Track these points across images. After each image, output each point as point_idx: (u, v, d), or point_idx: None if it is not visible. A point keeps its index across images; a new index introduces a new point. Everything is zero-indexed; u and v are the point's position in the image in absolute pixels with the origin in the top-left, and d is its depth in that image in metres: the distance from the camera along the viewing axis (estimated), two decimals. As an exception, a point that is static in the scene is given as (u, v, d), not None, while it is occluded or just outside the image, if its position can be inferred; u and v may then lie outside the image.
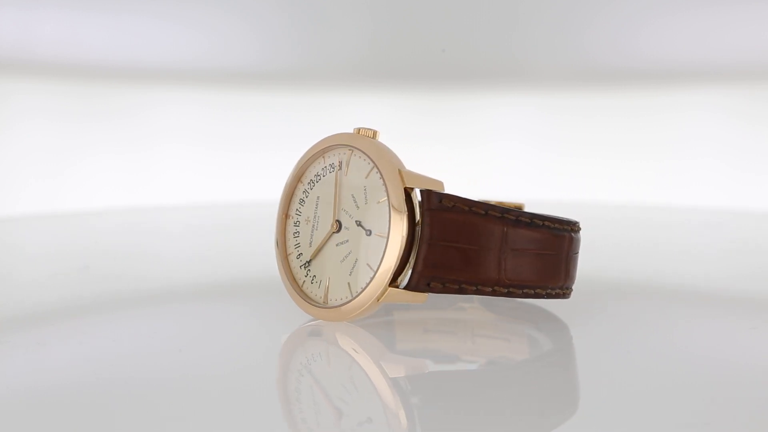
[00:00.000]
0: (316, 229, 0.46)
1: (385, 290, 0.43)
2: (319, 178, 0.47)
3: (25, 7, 1.13)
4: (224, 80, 1.24)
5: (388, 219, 0.43)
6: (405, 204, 0.43)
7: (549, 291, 0.46)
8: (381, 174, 0.44)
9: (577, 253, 0.47)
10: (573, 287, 0.48)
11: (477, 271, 0.43)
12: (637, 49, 1.23)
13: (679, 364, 0.42)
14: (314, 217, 0.47)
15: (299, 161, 0.48)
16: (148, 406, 0.36)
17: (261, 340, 0.46)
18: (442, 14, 1.22)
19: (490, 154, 1.25)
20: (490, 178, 1.22)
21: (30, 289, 0.58)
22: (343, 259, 0.45)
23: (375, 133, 0.46)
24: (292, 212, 0.48)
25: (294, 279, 0.47)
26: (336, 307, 0.44)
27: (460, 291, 0.43)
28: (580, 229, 0.47)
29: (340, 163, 0.46)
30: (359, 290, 0.43)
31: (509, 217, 0.44)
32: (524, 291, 0.45)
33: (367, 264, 0.43)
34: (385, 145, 0.45)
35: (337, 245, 0.45)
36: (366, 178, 0.44)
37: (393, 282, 0.43)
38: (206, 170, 1.22)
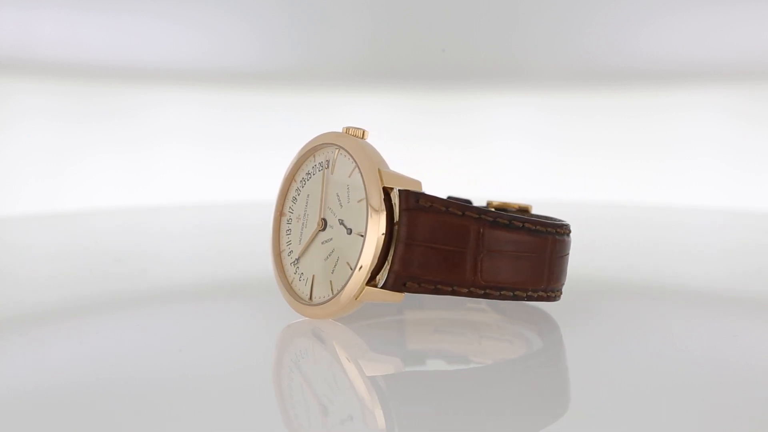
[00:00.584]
0: (305, 227, 0.47)
1: (362, 289, 0.43)
2: (309, 176, 0.47)
3: (25, 7, 1.13)
4: (224, 80, 1.24)
5: (366, 218, 0.43)
6: (383, 203, 0.42)
7: (530, 294, 0.45)
8: (361, 173, 0.44)
9: (565, 255, 0.47)
10: (562, 289, 0.48)
11: (452, 272, 0.43)
12: (637, 49, 1.23)
13: (679, 364, 0.42)
14: (304, 215, 0.47)
15: (293, 159, 0.49)
16: (148, 406, 0.36)
17: (261, 340, 0.46)
18: (442, 14, 1.22)
19: (490, 154, 1.25)
20: (490, 178, 1.22)
21: (30, 289, 0.58)
22: (327, 257, 0.45)
23: (364, 132, 0.46)
24: (286, 210, 0.48)
25: (285, 276, 0.47)
26: (319, 304, 0.45)
27: (436, 291, 0.43)
28: (568, 231, 0.47)
29: (328, 161, 0.46)
30: (339, 288, 0.44)
31: (486, 218, 0.43)
32: (502, 293, 0.44)
33: (347, 262, 0.44)
34: (369, 145, 0.45)
35: (322, 243, 0.45)
36: (349, 177, 0.45)
37: (372, 281, 0.43)
38: (206, 170, 1.22)
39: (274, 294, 0.48)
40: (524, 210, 0.56)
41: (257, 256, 0.60)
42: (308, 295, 0.46)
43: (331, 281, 0.44)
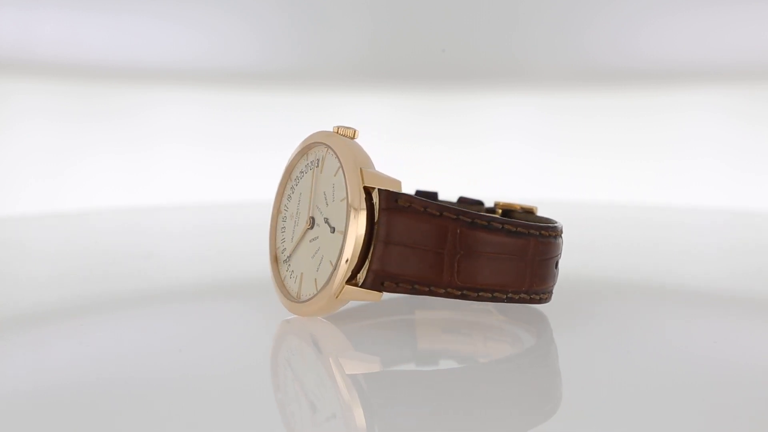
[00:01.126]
0: (297, 225, 0.47)
1: (342, 287, 0.43)
2: (302, 174, 0.48)
3: (25, 7, 1.13)
4: (224, 80, 1.24)
5: (345, 217, 0.43)
6: (364, 202, 0.42)
7: (511, 295, 0.45)
8: (344, 172, 0.44)
9: (552, 258, 0.46)
10: (552, 291, 0.47)
11: (429, 272, 0.43)
12: (637, 49, 1.23)
13: (679, 364, 0.42)
14: (297, 213, 0.47)
15: (290, 157, 0.49)
16: (148, 406, 0.36)
17: (260, 340, 0.46)
18: (442, 14, 1.22)
19: (490, 154, 1.25)
20: (490, 178, 1.22)
21: (30, 289, 0.58)
22: (314, 255, 0.45)
23: (354, 132, 0.46)
24: (282, 208, 0.49)
25: (279, 274, 0.48)
26: (304, 302, 0.45)
27: (414, 291, 0.43)
28: (555, 233, 0.46)
29: (318, 160, 0.46)
30: (321, 286, 0.44)
31: (464, 218, 0.43)
32: (480, 294, 0.44)
33: (330, 261, 0.44)
34: (356, 145, 0.45)
35: (310, 241, 0.46)
36: (334, 176, 0.45)
37: (353, 279, 0.43)
38: (206, 170, 1.22)
39: (274, 294, 0.48)
40: (529, 211, 0.55)
41: (257, 256, 0.60)
42: (297, 293, 0.46)
43: (315, 279, 0.45)
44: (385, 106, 1.26)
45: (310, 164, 0.47)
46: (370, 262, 0.42)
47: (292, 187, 0.48)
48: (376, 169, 0.44)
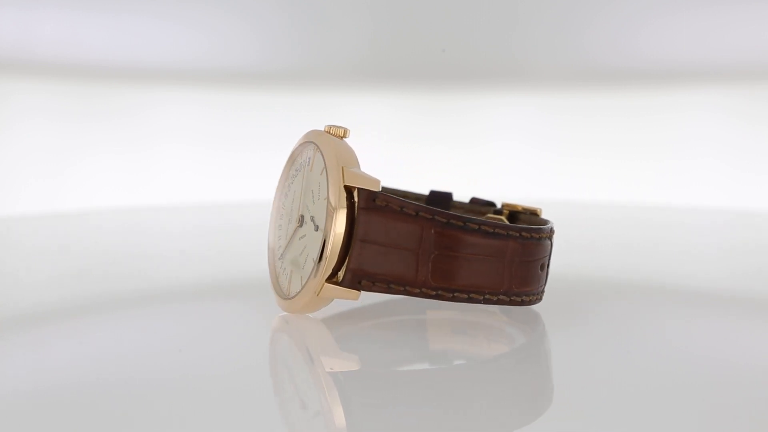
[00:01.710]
0: (290, 223, 0.48)
1: (322, 285, 0.43)
2: (296, 173, 0.48)
3: (25, 7, 1.13)
4: (224, 80, 1.24)
5: (325, 216, 0.43)
6: (344, 201, 0.43)
7: (488, 297, 0.45)
8: (326, 171, 0.44)
9: (535, 260, 0.46)
10: (538, 294, 0.47)
11: (403, 272, 0.43)
12: (637, 49, 1.23)
13: (679, 364, 0.42)
14: (290, 211, 0.48)
15: (288, 156, 0.50)
16: (148, 406, 0.36)
17: (260, 340, 0.46)
18: (442, 14, 1.22)
19: (490, 154, 1.25)
20: (490, 178, 1.22)
21: (30, 289, 0.58)
22: (301, 253, 0.46)
23: (345, 131, 0.46)
24: (280, 205, 0.49)
25: (274, 271, 0.48)
26: (291, 299, 0.46)
27: (389, 290, 0.43)
28: (540, 235, 0.46)
29: (309, 159, 0.47)
30: (304, 284, 0.44)
31: (440, 219, 0.43)
32: (455, 295, 0.44)
33: (312, 258, 0.44)
34: (343, 144, 0.46)
35: (299, 239, 0.46)
36: (320, 174, 0.45)
37: (333, 277, 0.43)
38: (206, 170, 1.22)
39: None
40: (532, 213, 0.55)
41: (257, 256, 0.60)
42: (287, 290, 0.46)
43: (301, 276, 0.45)
44: (385, 106, 1.26)
45: (303, 163, 0.48)
46: (349, 261, 0.43)
47: (288, 185, 0.49)
48: (360, 168, 0.45)
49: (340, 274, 0.43)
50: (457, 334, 0.49)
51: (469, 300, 0.44)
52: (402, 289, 0.43)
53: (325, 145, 0.45)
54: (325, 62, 1.27)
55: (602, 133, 1.24)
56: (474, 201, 0.59)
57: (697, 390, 0.39)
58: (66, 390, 0.38)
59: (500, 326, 0.50)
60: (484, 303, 0.45)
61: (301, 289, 0.45)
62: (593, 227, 0.94)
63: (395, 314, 0.50)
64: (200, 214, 1.04)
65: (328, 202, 0.43)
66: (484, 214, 0.57)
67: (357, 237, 0.43)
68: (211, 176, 1.22)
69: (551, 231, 0.48)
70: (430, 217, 0.43)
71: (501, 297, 0.45)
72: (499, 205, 0.58)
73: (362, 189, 0.43)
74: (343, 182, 0.43)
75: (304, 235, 0.46)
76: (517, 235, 0.45)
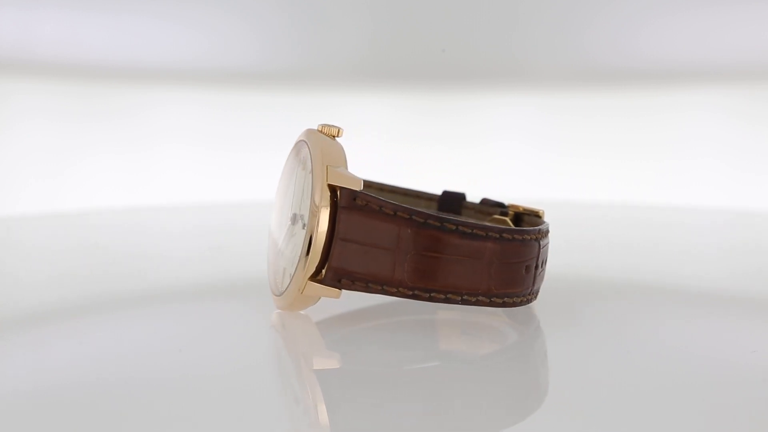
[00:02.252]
0: (287, 221, 0.48)
1: (304, 283, 0.44)
2: (291, 172, 0.49)
3: (25, 7, 1.13)
4: (224, 80, 1.24)
5: (309, 214, 0.44)
6: (327, 200, 0.43)
7: (466, 297, 0.45)
8: (312, 170, 0.45)
9: (518, 262, 0.46)
10: (525, 296, 0.47)
11: (381, 271, 0.43)
12: (637, 49, 1.23)
13: (679, 364, 0.42)
14: (288, 209, 0.48)
15: (288, 155, 0.50)
16: (148, 406, 0.36)
17: (260, 339, 0.46)
18: (442, 14, 1.22)
19: (490, 154, 1.25)
20: (490, 178, 1.22)
21: (30, 289, 0.58)
22: (292, 250, 0.46)
23: (338, 130, 0.46)
24: (282, 203, 0.50)
25: (274, 267, 0.49)
26: (280, 296, 0.46)
27: (368, 289, 0.44)
28: (524, 237, 0.46)
29: (304, 158, 0.47)
30: (290, 282, 0.45)
31: (417, 219, 0.43)
32: (432, 295, 0.44)
33: (299, 256, 0.44)
34: (332, 143, 0.46)
35: (291, 237, 0.47)
36: (310, 173, 0.45)
37: (318, 275, 0.44)
38: (206, 170, 1.22)
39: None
40: (534, 214, 0.54)
41: (257, 256, 0.60)
42: (280, 287, 0.47)
43: (290, 274, 0.45)
44: (385, 106, 1.26)
45: (299, 162, 0.48)
46: (330, 260, 0.43)
47: (287, 185, 0.49)
48: (347, 167, 0.45)
49: (324, 272, 0.44)
50: (462, 335, 0.49)
51: (447, 300, 0.44)
52: (380, 288, 0.44)
53: (314, 144, 0.46)
54: (325, 62, 1.27)
55: (602, 133, 1.24)
56: (484, 202, 0.59)
57: (696, 390, 0.39)
58: (66, 390, 0.38)
59: (498, 326, 0.50)
60: (462, 304, 0.45)
61: (288, 286, 0.45)
62: (593, 227, 0.94)
63: (404, 314, 0.50)
64: (200, 214, 1.04)
65: (312, 200, 0.44)
66: (491, 214, 0.57)
67: (338, 236, 0.43)
68: (211, 176, 1.22)
69: (539, 232, 0.47)
70: (408, 216, 0.43)
71: (480, 298, 0.45)
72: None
73: (344, 188, 0.43)
74: (327, 181, 0.43)
75: (295, 234, 0.46)
76: (497, 236, 0.45)
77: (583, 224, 0.95)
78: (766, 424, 0.35)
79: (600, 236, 0.87)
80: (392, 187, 0.62)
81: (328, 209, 0.43)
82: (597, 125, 1.25)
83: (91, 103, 1.18)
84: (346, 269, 0.43)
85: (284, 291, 0.46)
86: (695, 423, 0.35)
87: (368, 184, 0.62)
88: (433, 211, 0.49)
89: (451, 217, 0.48)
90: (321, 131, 0.46)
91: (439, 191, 0.63)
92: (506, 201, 0.59)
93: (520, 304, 0.47)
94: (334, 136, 0.46)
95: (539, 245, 0.47)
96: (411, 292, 0.44)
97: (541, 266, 0.48)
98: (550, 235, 0.50)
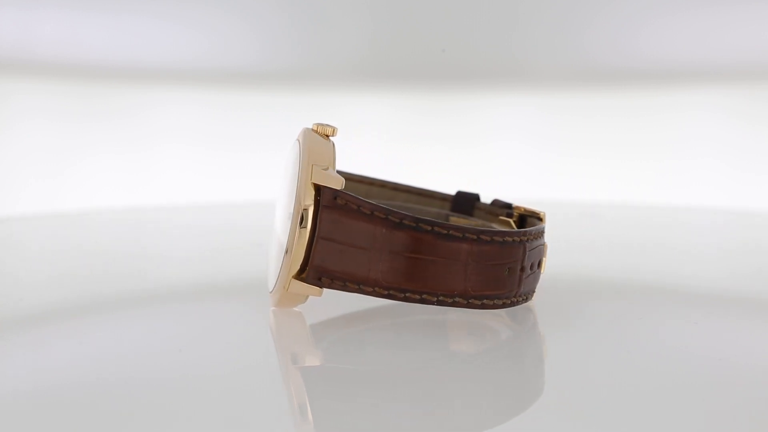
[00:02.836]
0: (284, 219, 0.48)
1: (289, 281, 0.44)
2: (292, 170, 0.49)
3: (25, 7, 1.13)
4: (224, 80, 1.24)
5: (294, 213, 0.44)
6: (310, 199, 0.43)
7: (441, 298, 0.44)
8: (299, 169, 0.45)
9: (499, 264, 0.45)
10: (509, 299, 0.46)
11: (358, 270, 0.44)
12: (637, 49, 1.23)
13: (679, 364, 0.42)
14: (287, 207, 0.48)
15: (288, 155, 0.50)
16: (148, 406, 0.36)
17: (261, 339, 0.46)
18: (442, 14, 1.22)
19: (490, 154, 1.25)
20: (490, 178, 1.22)
21: (30, 289, 0.58)
22: (282, 248, 0.47)
23: (333, 129, 0.47)
24: (282, 203, 0.50)
25: (274, 265, 0.49)
26: (271, 293, 0.47)
27: (345, 288, 0.44)
28: (504, 239, 0.45)
29: (296, 157, 0.47)
30: (277, 279, 0.45)
31: (393, 219, 0.43)
32: (407, 295, 0.44)
33: (285, 253, 0.45)
34: (320, 141, 0.46)
35: (284, 235, 0.47)
36: (299, 172, 0.46)
37: (303, 273, 0.44)
38: (206, 170, 1.22)
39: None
40: (534, 216, 0.54)
41: (257, 256, 0.60)
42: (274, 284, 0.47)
43: (278, 272, 0.46)
44: (385, 106, 1.26)
45: (296, 161, 0.48)
46: (312, 258, 0.44)
47: (286, 183, 0.50)
48: (335, 166, 0.45)
49: (306, 270, 0.44)
50: (469, 336, 0.49)
51: (422, 301, 0.44)
52: (357, 287, 0.44)
53: (304, 143, 0.46)
54: (325, 62, 1.27)
55: (602, 133, 1.24)
56: (494, 203, 0.59)
57: (696, 390, 0.39)
58: (66, 390, 0.38)
59: (494, 325, 0.50)
60: (438, 305, 0.45)
61: (276, 284, 0.46)
62: (593, 227, 0.94)
63: (414, 314, 0.50)
64: (200, 214, 1.04)
65: (296, 199, 0.44)
66: (499, 215, 0.57)
67: (319, 234, 0.43)
68: (211, 176, 1.22)
69: (524, 234, 0.47)
70: (384, 216, 0.43)
71: (457, 299, 0.45)
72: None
73: (326, 187, 0.44)
74: (311, 180, 0.44)
75: (287, 231, 0.46)
76: (474, 237, 0.44)
77: (584, 224, 0.95)
78: (766, 424, 0.35)
79: (600, 236, 0.87)
80: (407, 186, 0.62)
81: (312, 208, 0.43)
82: (597, 125, 1.25)
83: (91, 103, 1.18)
84: (326, 268, 0.44)
85: (273, 288, 0.46)
86: (695, 423, 0.35)
87: (381, 184, 0.62)
88: (409, 212, 0.49)
89: (429, 218, 0.48)
90: (315, 130, 0.47)
91: (439, 191, 0.63)
92: (513, 202, 0.58)
93: (503, 306, 0.47)
94: (328, 136, 0.46)
95: (525, 247, 0.46)
96: (386, 292, 0.44)
97: (531, 269, 0.48)
98: (545, 236, 0.49)
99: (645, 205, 1.13)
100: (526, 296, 0.48)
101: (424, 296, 0.44)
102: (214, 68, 1.24)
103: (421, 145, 1.25)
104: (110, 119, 1.20)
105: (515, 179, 1.24)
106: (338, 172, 0.61)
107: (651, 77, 1.23)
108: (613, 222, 0.99)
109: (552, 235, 0.52)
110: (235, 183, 1.19)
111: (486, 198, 0.61)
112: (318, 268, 0.44)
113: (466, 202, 0.61)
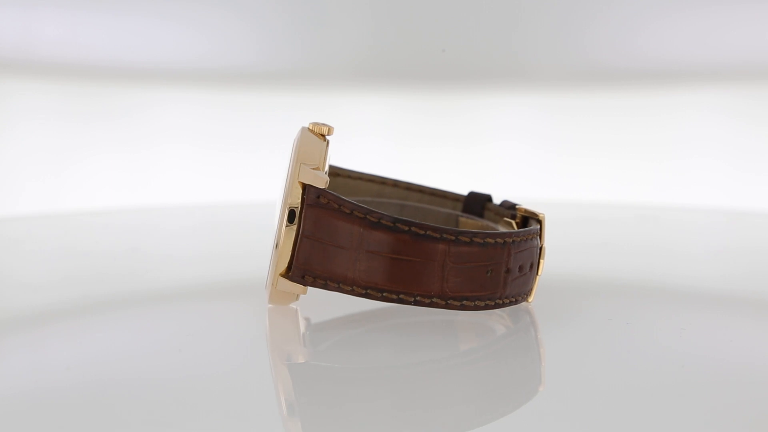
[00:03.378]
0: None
1: (277, 278, 0.44)
2: (284, 170, 0.49)
3: (26, 7, 1.13)
4: (224, 80, 1.24)
5: (282, 210, 0.44)
6: (297, 198, 0.44)
7: (419, 299, 0.44)
8: (290, 168, 0.45)
9: (479, 265, 0.45)
10: (491, 299, 0.46)
11: (337, 269, 0.44)
12: (637, 49, 1.23)
13: (678, 365, 0.42)
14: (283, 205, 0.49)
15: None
16: (147, 406, 0.36)
17: (260, 339, 0.46)
18: (442, 14, 1.22)
19: (490, 154, 1.25)
20: (490, 178, 1.22)
21: (30, 289, 0.59)
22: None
23: (329, 129, 0.47)
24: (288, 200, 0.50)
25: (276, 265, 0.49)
26: (265, 290, 0.47)
27: (327, 287, 0.44)
28: (484, 241, 0.45)
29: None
30: (269, 276, 0.46)
31: (371, 219, 0.44)
32: (384, 295, 0.44)
33: (275, 250, 0.45)
34: (313, 141, 0.46)
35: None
36: (290, 170, 0.46)
37: (289, 271, 0.44)
38: (206, 170, 1.22)
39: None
40: (534, 217, 0.53)
41: (256, 256, 0.60)
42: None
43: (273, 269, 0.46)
44: (385, 106, 1.26)
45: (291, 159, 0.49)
46: (297, 256, 0.44)
47: (283, 182, 0.50)
48: (325, 165, 0.45)
49: (292, 268, 0.44)
50: (476, 336, 0.49)
51: (399, 301, 0.44)
52: (336, 286, 0.44)
53: (297, 142, 0.46)
54: (325, 62, 1.27)
55: (602, 133, 1.24)
56: (503, 204, 0.59)
57: (695, 390, 0.39)
58: (66, 390, 0.38)
59: (491, 324, 0.50)
60: (415, 305, 0.45)
61: (267, 281, 0.46)
62: (593, 227, 0.94)
63: (422, 315, 0.50)
64: (200, 214, 1.04)
65: (284, 197, 0.44)
66: (504, 216, 0.57)
67: (303, 233, 0.44)
68: (211, 176, 1.22)
69: (509, 236, 0.46)
70: (362, 216, 0.44)
71: (435, 300, 0.45)
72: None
73: (310, 186, 0.44)
74: (298, 179, 0.44)
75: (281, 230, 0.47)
76: (452, 238, 0.44)
77: (584, 224, 0.95)
78: (766, 424, 0.35)
79: (600, 236, 0.87)
80: (420, 186, 0.63)
81: (299, 206, 0.44)
82: (597, 125, 1.25)
83: (91, 103, 1.18)
84: (309, 266, 0.44)
85: (266, 286, 0.47)
86: (695, 423, 0.35)
87: (394, 183, 0.62)
88: (387, 212, 0.49)
89: (407, 218, 0.48)
90: (311, 129, 0.47)
91: (452, 192, 0.63)
92: (519, 203, 0.58)
93: (486, 308, 0.46)
94: (323, 135, 0.47)
95: (509, 249, 0.46)
96: (364, 291, 0.44)
97: (521, 271, 0.47)
98: (540, 238, 0.49)
99: (645, 205, 1.13)
100: (515, 298, 0.48)
101: (401, 296, 0.44)
102: (214, 68, 1.24)
103: (421, 145, 1.25)
104: (110, 119, 1.20)
105: (515, 179, 1.24)
106: (351, 171, 0.62)
107: (651, 77, 1.23)
108: (613, 222, 0.99)
109: (552, 235, 0.52)
110: (235, 183, 1.20)
111: (497, 199, 0.61)
112: (302, 266, 0.44)
113: (477, 203, 0.61)
